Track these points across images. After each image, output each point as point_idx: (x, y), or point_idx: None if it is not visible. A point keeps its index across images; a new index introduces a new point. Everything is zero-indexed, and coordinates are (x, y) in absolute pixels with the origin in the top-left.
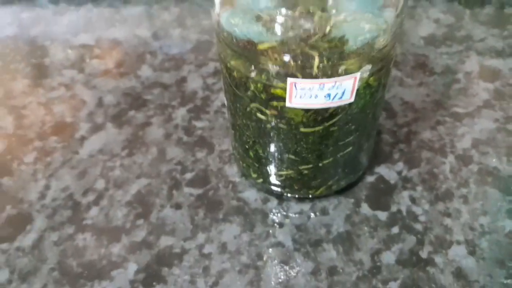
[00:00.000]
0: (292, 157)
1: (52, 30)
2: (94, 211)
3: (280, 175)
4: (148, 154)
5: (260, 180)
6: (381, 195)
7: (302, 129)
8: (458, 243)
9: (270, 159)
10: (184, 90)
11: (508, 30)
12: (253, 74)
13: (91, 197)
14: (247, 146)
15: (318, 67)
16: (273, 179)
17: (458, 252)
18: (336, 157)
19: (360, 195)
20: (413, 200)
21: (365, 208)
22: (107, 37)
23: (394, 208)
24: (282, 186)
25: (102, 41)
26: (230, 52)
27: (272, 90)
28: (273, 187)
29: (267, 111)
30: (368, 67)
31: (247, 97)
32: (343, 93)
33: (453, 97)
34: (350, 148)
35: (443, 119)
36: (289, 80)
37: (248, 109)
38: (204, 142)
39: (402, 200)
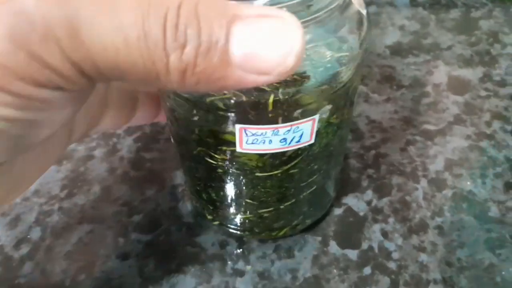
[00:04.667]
0: (250, 201)
1: None
2: (28, 266)
3: (239, 219)
4: (91, 194)
5: (217, 223)
6: (351, 230)
7: (257, 174)
8: (436, 282)
9: (226, 203)
10: None
11: (475, 35)
12: (196, 118)
13: (24, 250)
14: (198, 188)
15: (273, 104)
16: (230, 222)
17: None
18: (299, 198)
19: (327, 231)
20: (385, 234)
21: (333, 247)
22: None
23: (365, 245)
24: (241, 229)
25: None
26: (171, 93)
27: (220, 136)
28: (232, 230)
29: (217, 156)
30: (327, 107)
31: (193, 140)
32: (300, 136)
33: (423, 113)
34: (314, 187)
35: (413, 138)
36: (238, 126)
37: (195, 152)
38: (154, 177)
39: (373, 235)
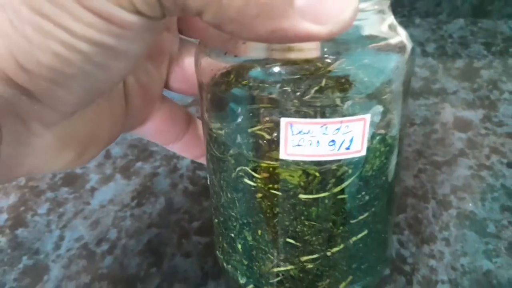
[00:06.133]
0: (291, 241)
1: None
2: (108, 260)
3: (277, 274)
4: (157, 204)
5: (251, 287)
6: None
7: (301, 196)
8: (443, 282)
9: (263, 248)
10: None
11: (477, 83)
12: (239, 120)
13: (105, 247)
14: (233, 235)
15: (315, 96)
16: (267, 282)
17: None
18: (349, 243)
19: None
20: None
21: None
22: None
23: None
24: None
25: None
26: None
27: (263, 143)
28: None
29: (257, 174)
30: (379, 108)
31: (232, 158)
32: (351, 141)
33: (432, 147)
34: (366, 231)
35: (424, 167)
36: (284, 120)
37: (233, 175)
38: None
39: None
